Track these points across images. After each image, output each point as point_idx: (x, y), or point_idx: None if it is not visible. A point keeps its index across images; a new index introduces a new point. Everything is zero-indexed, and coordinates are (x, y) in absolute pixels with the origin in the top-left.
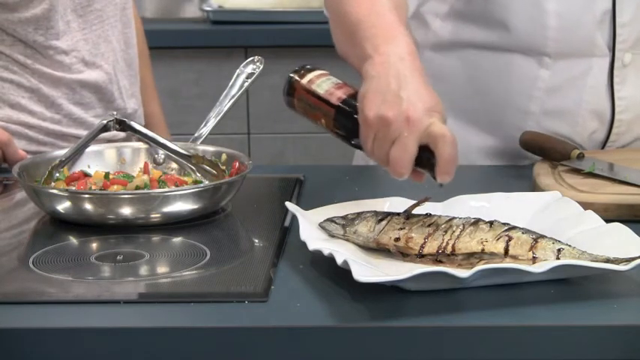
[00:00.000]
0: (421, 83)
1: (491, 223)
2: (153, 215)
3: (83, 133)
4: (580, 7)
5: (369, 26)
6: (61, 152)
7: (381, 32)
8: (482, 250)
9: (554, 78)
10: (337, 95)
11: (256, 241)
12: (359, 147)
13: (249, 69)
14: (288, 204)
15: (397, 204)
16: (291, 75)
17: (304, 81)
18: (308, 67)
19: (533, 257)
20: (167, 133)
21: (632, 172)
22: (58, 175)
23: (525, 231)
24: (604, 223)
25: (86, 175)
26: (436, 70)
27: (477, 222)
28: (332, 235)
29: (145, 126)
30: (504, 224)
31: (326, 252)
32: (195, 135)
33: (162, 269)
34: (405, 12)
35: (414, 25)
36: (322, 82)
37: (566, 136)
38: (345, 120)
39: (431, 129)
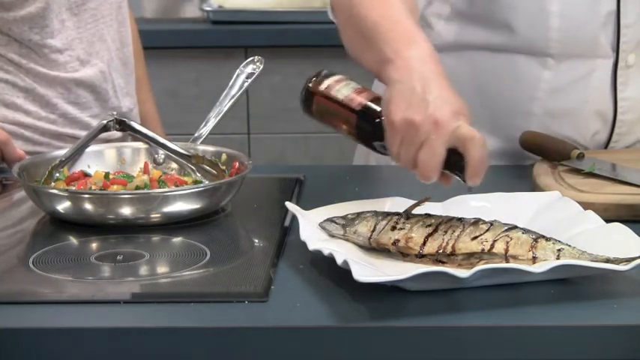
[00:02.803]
0: (445, 86)
1: (491, 223)
2: (153, 215)
3: (79, 132)
4: (584, 9)
5: (387, 30)
6: (61, 152)
7: (401, 36)
8: (482, 250)
9: (557, 79)
10: (358, 100)
11: (256, 241)
12: (382, 151)
13: (249, 69)
14: (288, 204)
15: (397, 204)
16: (309, 82)
17: (322, 87)
18: (325, 72)
19: (533, 257)
20: (162, 133)
21: (632, 172)
22: (58, 175)
23: (525, 231)
24: (604, 223)
25: (86, 175)
26: None
27: (476, 222)
28: (332, 235)
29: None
30: (504, 224)
31: (326, 252)
32: (195, 135)
33: (162, 269)
34: (417, 16)
35: None
36: (342, 88)
37: (568, 137)
38: (368, 125)
39: (459, 131)
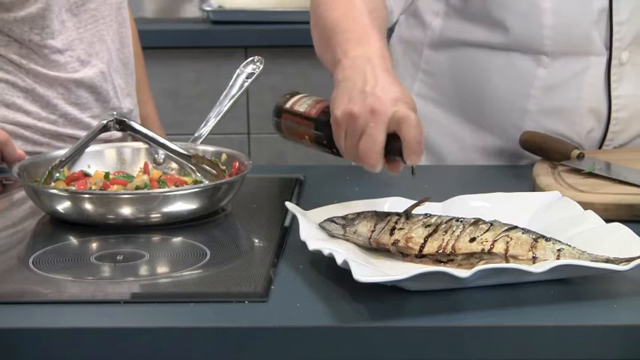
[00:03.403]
0: (387, 79)
1: (491, 223)
2: (153, 215)
3: (79, 133)
4: (576, 6)
5: (342, 31)
6: (61, 152)
7: (353, 36)
8: (482, 250)
9: (551, 76)
10: (315, 109)
11: (256, 241)
12: (340, 154)
13: (249, 69)
14: (288, 204)
15: (397, 204)
16: (276, 103)
17: (287, 105)
18: (291, 92)
19: (533, 257)
20: (162, 134)
21: (632, 172)
22: (58, 175)
23: (525, 231)
24: (604, 223)
25: (86, 175)
26: (434, 69)
27: (476, 222)
28: (332, 235)
29: None
30: (504, 224)
31: (326, 252)
32: (195, 135)
33: (162, 269)
34: (380, 14)
35: (412, 24)
36: (303, 102)
37: (563, 134)
38: (324, 129)
39: (395, 115)
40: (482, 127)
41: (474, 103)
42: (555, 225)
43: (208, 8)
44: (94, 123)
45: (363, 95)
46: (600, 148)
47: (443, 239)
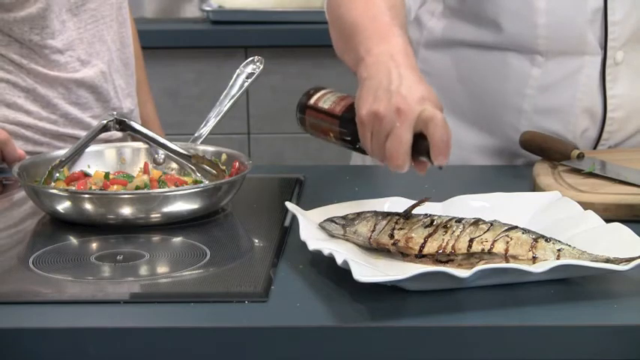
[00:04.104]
0: (412, 77)
1: (491, 223)
2: (153, 215)
3: (80, 133)
4: (571, 5)
5: (364, 29)
6: (61, 152)
7: (374, 34)
8: (482, 250)
9: (546, 76)
10: (340, 106)
11: (256, 241)
12: (365, 152)
13: (249, 69)
14: (288, 204)
15: (397, 204)
16: (301, 99)
17: (311, 101)
18: (315, 88)
19: (533, 257)
20: (162, 135)
21: (632, 172)
22: (58, 175)
23: (525, 231)
24: (604, 223)
25: (86, 175)
26: (430, 68)
27: (476, 222)
28: (332, 235)
29: None
30: (504, 224)
31: (326, 252)
32: (195, 135)
33: (162, 269)
34: (401, 11)
35: (409, 24)
36: (327, 98)
37: (558, 134)
38: (348, 126)
39: (422, 115)
40: (479, 127)
41: (470, 102)
42: (555, 225)
43: (208, 8)
44: (95, 123)
45: (389, 94)
46: (595, 148)
47: (443, 239)
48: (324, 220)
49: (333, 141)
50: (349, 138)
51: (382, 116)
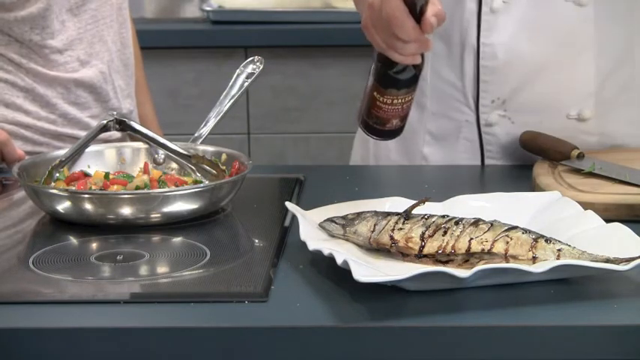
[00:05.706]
0: None
1: (491, 223)
2: (153, 215)
3: (79, 133)
4: None
5: None
6: (61, 152)
7: None
8: (482, 250)
9: None
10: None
11: (256, 241)
12: (399, 72)
13: (249, 69)
14: (288, 204)
15: (397, 204)
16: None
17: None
18: None
19: (533, 257)
20: (161, 136)
21: (632, 171)
22: (58, 175)
23: (525, 231)
24: (604, 223)
25: (86, 175)
26: None
27: (476, 222)
28: (332, 235)
29: None
30: (504, 224)
31: (326, 252)
32: (195, 135)
33: (162, 269)
34: None
35: None
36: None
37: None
38: (378, 66)
39: None
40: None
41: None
42: (555, 225)
43: (208, 8)
44: (94, 123)
45: None
46: (477, 99)
47: (443, 239)
48: (324, 220)
49: (382, 100)
50: (383, 70)
51: (374, 4)
